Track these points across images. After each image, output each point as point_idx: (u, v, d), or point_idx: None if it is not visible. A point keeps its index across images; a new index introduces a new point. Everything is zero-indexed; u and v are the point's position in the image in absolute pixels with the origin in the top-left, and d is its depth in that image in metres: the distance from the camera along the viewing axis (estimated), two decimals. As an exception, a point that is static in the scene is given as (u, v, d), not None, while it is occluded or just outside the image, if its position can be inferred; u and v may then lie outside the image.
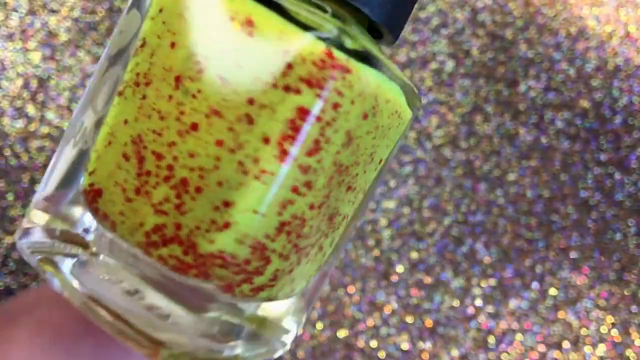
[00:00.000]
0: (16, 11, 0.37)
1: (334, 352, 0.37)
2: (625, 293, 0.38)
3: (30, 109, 0.37)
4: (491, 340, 0.38)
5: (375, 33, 0.15)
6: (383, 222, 0.38)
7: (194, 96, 0.12)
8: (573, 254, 0.39)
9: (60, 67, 0.37)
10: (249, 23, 0.11)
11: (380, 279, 0.38)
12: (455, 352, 0.37)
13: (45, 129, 0.37)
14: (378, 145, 0.13)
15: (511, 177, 0.39)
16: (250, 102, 0.11)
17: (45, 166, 0.36)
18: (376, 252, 0.38)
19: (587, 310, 0.38)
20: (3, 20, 0.37)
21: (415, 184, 0.38)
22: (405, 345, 0.37)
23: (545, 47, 0.40)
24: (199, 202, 0.12)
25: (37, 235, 0.14)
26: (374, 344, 0.37)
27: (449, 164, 0.39)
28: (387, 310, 0.37)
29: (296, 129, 0.12)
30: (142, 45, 0.12)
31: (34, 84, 0.37)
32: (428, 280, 0.38)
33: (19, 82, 0.37)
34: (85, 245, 0.13)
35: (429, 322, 0.38)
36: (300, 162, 0.12)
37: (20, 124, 0.36)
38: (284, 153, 0.12)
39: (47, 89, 0.37)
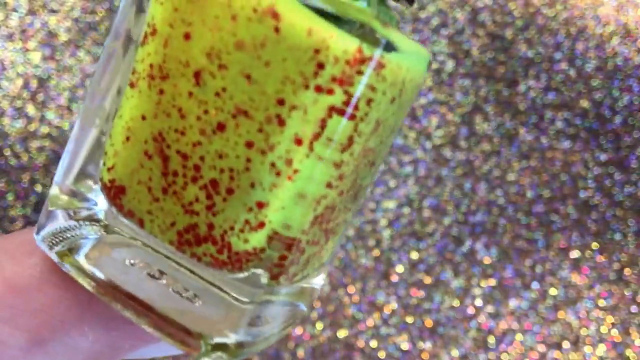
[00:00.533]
0: (16, 11, 0.37)
1: (334, 352, 0.37)
2: (625, 293, 0.38)
3: (30, 109, 0.37)
4: (491, 340, 0.38)
5: None
6: (383, 222, 0.38)
7: (217, 94, 0.11)
8: (573, 254, 0.39)
9: (60, 67, 0.37)
10: (274, 15, 0.11)
11: (380, 279, 0.38)
12: (455, 352, 0.37)
13: (45, 129, 0.37)
14: (399, 118, 0.13)
15: (511, 177, 0.39)
16: (281, 102, 0.11)
17: (45, 166, 0.36)
18: (376, 252, 0.38)
19: (587, 310, 0.38)
20: (3, 20, 0.37)
21: (415, 184, 0.38)
22: (405, 345, 0.37)
23: (545, 47, 0.40)
24: (231, 203, 0.12)
25: (59, 221, 0.13)
26: (374, 344, 0.37)
27: (449, 164, 0.39)
28: (387, 310, 0.37)
29: (330, 128, 0.11)
30: (153, 33, 0.11)
31: (34, 84, 0.37)
32: (428, 280, 0.38)
33: (19, 82, 0.37)
34: (104, 227, 0.13)
35: (429, 322, 0.38)
36: (335, 159, 0.12)
37: (20, 124, 0.36)
38: (317, 153, 0.12)
39: (47, 89, 0.37)
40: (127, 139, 0.12)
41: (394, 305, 0.37)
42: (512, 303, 0.38)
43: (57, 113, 0.37)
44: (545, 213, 0.39)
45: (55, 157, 0.36)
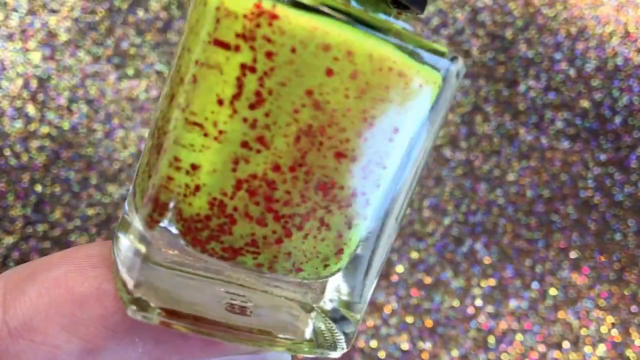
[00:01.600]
0: (16, 11, 0.37)
1: (334, 352, 0.37)
2: (625, 293, 0.38)
3: (30, 109, 0.37)
4: (491, 340, 0.38)
5: (401, 5, 0.14)
6: (383, 222, 0.38)
7: (177, 70, 0.13)
8: (573, 254, 0.39)
9: (60, 67, 0.37)
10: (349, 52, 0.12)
11: (380, 279, 0.38)
12: (455, 352, 0.37)
13: (45, 129, 0.37)
14: (373, 108, 0.13)
15: (511, 177, 0.39)
16: (196, 62, 0.12)
17: (45, 166, 0.36)
18: (376, 252, 0.38)
19: (587, 310, 0.38)
20: (3, 20, 0.37)
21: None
22: (405, 345, 0.37)
23: (545, 47, 0.40)
24: (162, 160, 0.13)
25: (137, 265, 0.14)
26: (374, 344, 0.37)
27: (449, 164, 0.39)
28: (387, 310, 0.37)
29: (247, 87, 0.12)
30: (230, 46, 0.13)
31: (34, 84, 0.37)
32: (428, 280, 0.38)
33: (19, 82, 0.37)
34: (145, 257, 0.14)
35: (429, 322, 0.37)
36: (244, 115, 0.12)
37: (20, 124, 0.36)
38: (234, 111, 0.12)
39: (47, 89, 0.37)
40: (214, 170, 0.13)
41: (394, 305, 0.37)
42: (512, 303, 0.38)
43: (57, 113, 0.37)
44: (545, 213, 0.39)
45: (55, 157, 0.36)
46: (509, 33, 0.39)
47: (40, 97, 0.37)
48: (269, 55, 0.12)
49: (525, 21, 0.40)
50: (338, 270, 0.14)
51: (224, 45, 0.12)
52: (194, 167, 0.13)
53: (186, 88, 0.13)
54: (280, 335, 0.14)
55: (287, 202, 0.13)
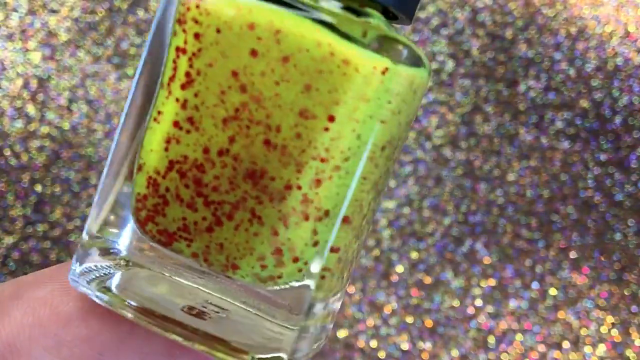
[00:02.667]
0: (16, 11, 0.37)
1: (334, 352, 0.37)
2: (625, 293, 0.38)
3: (30, 109, 0.37)
4: (491, 340, 0.38)
5: (391, 15, 0.14)
6: (383, 222, 0.38)
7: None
8: (573, 254, 0.39)
9: (60, 67, 0.37)
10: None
11: (380, 279, 0.38)
12: (455, 352, 0.37)
13: (45, 129, 0.37)
14: (310, 98, 0.12)
15: (511, 177, 0.39)
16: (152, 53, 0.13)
17: (45, 166, 0.36)
18: (376, 252, 0.38)
19: (587, 310, 0.38)
20: (3, 20, 0.37)
21: (415, 184, 0.38)
22: (405, 345, 0.37)
23: (545, 47, 0.40)
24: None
25: (92, 258, 0.14)
26: (374, 344, 0.37)
27: (449, 164, 0.39)
28: (387, 310, 0.37)
29: (174, 67, 0.13)
30: (183, 51, 0.13)
31: (34, 84, 0.37)
32: (428, 280, 0.38)
33: (19, 82, 0.37)
34: (126, 262, 0.14)
35: (429, 322, 0.38)
36: (176, 95, 0.13)
37: (20, 124, 0.36)
38: (173, 94, 0.13)
39: (47, 89, 0.37)
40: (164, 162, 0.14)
41: (394, 305, 0.37)
42: (512, 303, 0.38)
43: (57, 113, 0.37)
44: (545, 213, 0.39)
45: (55, 157, 0.37)
46: (509, 33, 0.39)
47: (40, 97, 0.37)
48: (196, 36, 0.12)
49: (525, 21, 0.40)
50: (285, 280, 0.13)
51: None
52: (140, 146, 0.13)
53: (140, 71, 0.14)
54: (239, 346, 0.14)
55: (215, 188, 0.13)
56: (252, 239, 0.13)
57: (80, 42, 0.37)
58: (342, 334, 0.37)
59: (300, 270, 0.13)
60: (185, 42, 0.12)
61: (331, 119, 0.12)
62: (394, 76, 0.12)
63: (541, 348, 0.38)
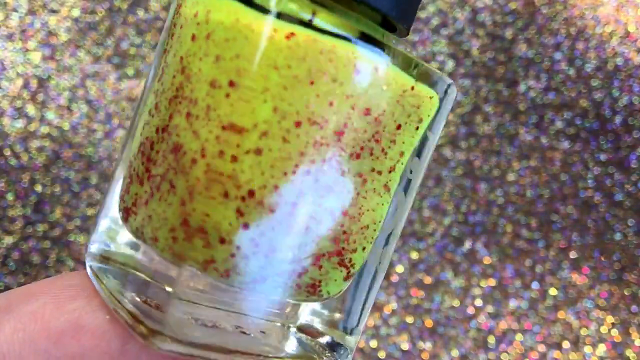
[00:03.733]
0: (16, 11, 0.37)
1: (334, 352, 0.37)
2: (625, 293, 0.38)
3: (30, 109, 0.37)
4: (491, 340, 0.38)
5: (389, 25, 0.14)
6: (383, 222, 0.38)
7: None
8: (573, 254, 0.39)
9: (60, 67, 0.37)
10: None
11: (380, 279, 0.38)
12: (455, 352, 0.37)
13: (45, 129, 0.37)
14: (218, 67, 0.12)
15: (511, 177, 0.39)
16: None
17: (45, 166, 0.36)
18: (376, 252, 0.38)
19: (587, 310, 0.38)
20: (3, 20, 0.37)
21: (415, 184, 0.38)
22: (405, 345, 0.37)
23: (545, 47, 0.40)
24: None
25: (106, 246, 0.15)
26: (374, 344, 0.37)
27: (449, 164, 0.39)
28: (387, 310, 0.37)
29: (159, 65, 0.14)
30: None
31: (34, 84, 0.37)
32: (428, 280, 0.38)
33: (19, 82, 0.37)
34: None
35: (429, 322, 0.38)
36: (154, 89, 0.14)
37: (20, 124, 0.36)
38: (152, 87, 0.15)
39: (47, 89, 0.37)
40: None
41: (394, 305, 0.37)
42: (512, 303, 0.38)
43: (57, 113, 0.37)
44: (545, 213, 0.39)
45: (55, 157, 0.37)
46: (509, 33, 0.39)
47: (40, 97, 0.37)
48: (172, 36, 0.14)
49: (525, 21, 0.40)
50: (199, 263, 0.13)
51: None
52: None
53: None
54: (270, 356, 0.14)
55: (155, 162, 0.13)
56: (167, 208, 0.13)
57: (80, 42, 0.37)
58: (342, 334, 0.37)
59: (233, 256, 0.12)
60: (167, 44, 0.14)
61: (231, 84, 0.12)
62: (304, 42, 0.12)
63: (541, 348, 0.38)
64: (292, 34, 0.12)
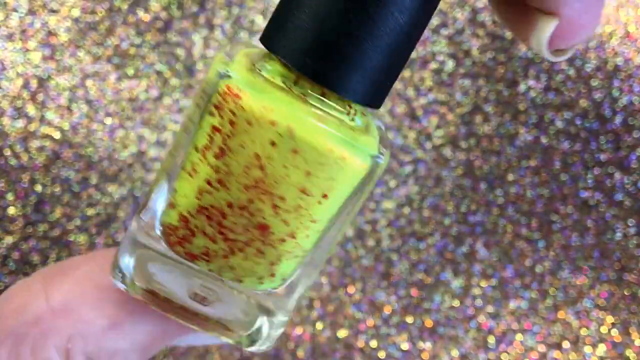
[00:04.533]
0: (16, 11, 0.37)
1: (334, 352, 0.37)
2: (625, 293, 0.38)
3: (30, 109, 0.37)
4: (491, 340, 0.38)
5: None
6: (383, 222, 0.38)
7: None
8: (573, 254, 0.39)
9: (60, 67, 0.37)
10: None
11: (380, 279, 0.38)
12: (455, 352, 0.37)
13: (45, 129, 0.37)
14: (309, 180, 0.16)
15: (511, 177, 0.39)
16: (191, 120, 0.17)
17: (45, 166, 0.36)
18: (376, 252, 0.38)
19: (587, 310, 0.38)
20: (3, 20, 0.37)
21: (415, 184, 0.38)
22: (405, 345, 0.37)
23: (545, 47, 0.40)
24: (154, 190, 0.18)
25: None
26: (374, 344, 0.37)
27: (449, 164, 0.39)
28: (387, 310, 0.37)
29: (210, 140, 0.17)
30: (219, 130, 0.17)
31: (33, 84, 0.37)
32: (428, 280, 0.38)
33: (19, 82, 0.37)
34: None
35: (429, 322, 0.38)
36: (210, 162, 0.17)
37: (20, 124, 0.36)
38: (207, 159, 0.17)
39: (47, 89, 0.37)
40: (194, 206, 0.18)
41: (394, 305, 0.37)
42: (512, 303, 0.38)
43: (57, 113, 0.37)
44: (545, 213, 0.39)
45: (55, 157, 0.37)
46: (509, 33, 0.39)
47: (40, 97, 0.37)
48: (231, 123, 0.16)
49: (525, 21, 0.40)
50: (273, 288, 0.19)
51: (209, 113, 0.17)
52: (174, 190, 0.18)
53: (180, 134, 0.18)
54: (233, 328, 0.19)
55: (233, 230, 0.17)
56: (256, 266, 0.18)
57: (80, 42, 0.37)
58: (342, 334, 0.37)
59: (280, 285, 0.19)
60: (221, 125, 0.16)
61: (324, 196, 0.17)
62: (370, 167, 0.17)
63: (541, 348, 0.38)
64: (365, 165, 0.17)
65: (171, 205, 0.18)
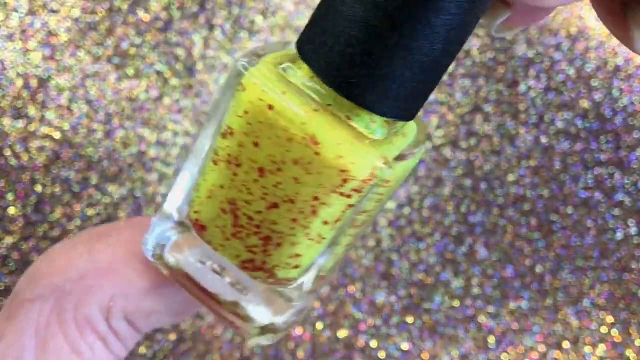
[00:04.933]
0: (16, 11, 0.37)
1: (334, 352, 0.37)
2: (625, 293, 0.38)
3: (30, 109, 0.37)
4: (491, 340, 0.38)
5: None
6: (383, 222, 0.38)
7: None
8: (573, 254, 0.39)
9: (60, 67, 0.37)
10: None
11: (380, 279, 0.38)
12: (455, 352, 0.37)
13: (45, 129, 0.37)
14: (324, 194, 0.17)
15: (511, 177, 0.39)
16: (315, 199, 0.17)
17: (45, 166, 0.36)
18: (376, 252, 0.38)
19: (587, 310, 0.38)
20: (3, 21, 0.37)
21: (415, 184, 0.38)
22: (405, 345, 0.37)
23: (545, 47, 0.40)
24: (279, 251, 0.18)
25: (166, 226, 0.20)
26: (374, 344, 0.37)
27: (449, 164, 0.39)
28: (387, 310, 0.37)
29: (345, 216, 0.17)
30: (231, 133, 0.17)
31: (34, 84, 0.37)
32: (428, 280, 0.38)
33: (19, 82, 0.37)
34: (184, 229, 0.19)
35: (429, 322, 0.38)
36: (338, 230, 0.18)
37: (20, 124, 0.36)
38: (336, 229, 0.18)
39: (47, 89, 0.37)
40: (209, 197, 0.18)
41: (394, 305, 0.37)
42: (512, 303, 0.38)
43: (57, 113, 0.37)
44: (545, 213, 0.39)
45: (55, 157, 0.37)
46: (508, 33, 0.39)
47: (40, 97, 0.37)
48: (264, 136, 0.17)
49: (525, 21, 0.40)
50: (293, 279, 0.19)
51: (342, 194, 0.17)
52: (201, 176, 0.18)
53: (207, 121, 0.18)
54: (248, 317, 0.19)
55: (264, 220, 0.18)
56: (279, 256, 0.18)
57: (80, 42, 0.37)
58: (342, 334, 0.37)
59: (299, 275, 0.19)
60: (358, 202, 0.17)
61: (349, 196, 0.17)
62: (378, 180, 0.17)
63: (541, 348, 0.38)
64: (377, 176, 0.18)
65: (295, 267, 0.18)
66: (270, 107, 0.16)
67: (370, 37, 0.15)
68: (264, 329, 0.20)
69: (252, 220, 0.18)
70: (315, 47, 0.16)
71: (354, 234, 0.19)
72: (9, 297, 0.21)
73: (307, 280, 0.19)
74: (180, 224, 0.19)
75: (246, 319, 0.19)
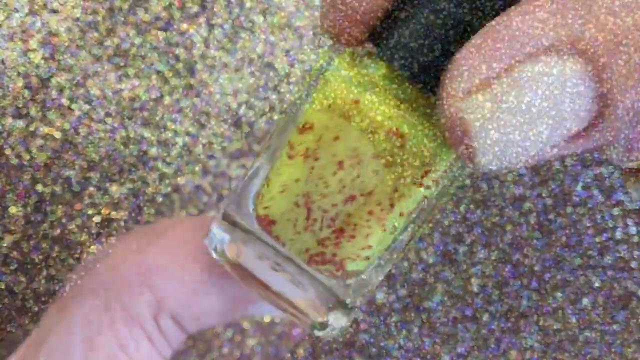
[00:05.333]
0: (17, 11, 0.37)
1: (334, 352, 0.37)
2: (625, 293, 0.38)
3: (31, 109, 0.37)
4: (491, 340, 0.38)
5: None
6: (383, 221, 0.38)
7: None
8: (573, 255, 0.39)
9: (60, 67, 0.37)
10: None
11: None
12: (455, 352, 0.37)
13: (45, 129, 0.37)
14: (401, 185, 0.18)
15: (511, 177, 0.39)
16: (395, 190, 0.17)
17: (46, 165, 0.37)
18: (376, 252, 0.38)
19: (587, 309, 0.38)
20: (4, 20, 0.37)
21: (415, 183, 0.39)
22: (405, 345, 0.37)
23: (545, 47, 0.40)
24: (351, 243, 0.18)
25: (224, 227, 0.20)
26: (374, 343, 0.37)
27: (448, 164, 0.39)
28: (386, 309, 0.37)
29: (420, 207, 0.18)
30: (310, 128, 0.17)
31: (34, 83, 0.37)
32: (428, 280, 0.38)
33: (20, 82, 0.37)
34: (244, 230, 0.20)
35: (429, 322, 0.38)
36: (407, 222, 0.18)
37: (21, 123, 0.37)
38: (411, 220, 0.18)
39: (47, 88, 0.37)
40: (282, 191, 0.18)
41: (394, 305, 0.38)
42: (512, 302, 0.38)
43: (57, 113, 0.37)
44: (545, 213, 0.39)
45: (56, 157, 0.37)
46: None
47: (41, 96, 0.37)
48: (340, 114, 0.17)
49: (525, 21, 0.40)
50: (361, 272, 0.20)
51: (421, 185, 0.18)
52: (274, 171, 0.18)
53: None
54: (307, 312, 0.20)
55: (326, 211, 0.18)
56: (351, 247, 0.19)
57: (80, 42, 0.37)
58: (342, 333, 0.37)
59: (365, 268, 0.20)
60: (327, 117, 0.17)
61: (428, 187, 0.18)
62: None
63: (541, 348, 0.38)
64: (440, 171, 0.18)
65: (366, 258, 0.19)
66: (356, 101, 0.16)
67: (455, 30, 0.16)
68: (323, 324, 0.20)
69: (326, 212, 0.18)
70: (396, 42, 0.16)
71: (420, 224, 0.19)
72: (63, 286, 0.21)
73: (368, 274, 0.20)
74: (237, 223, 0.20)
75: (305, 313, 0.20)
